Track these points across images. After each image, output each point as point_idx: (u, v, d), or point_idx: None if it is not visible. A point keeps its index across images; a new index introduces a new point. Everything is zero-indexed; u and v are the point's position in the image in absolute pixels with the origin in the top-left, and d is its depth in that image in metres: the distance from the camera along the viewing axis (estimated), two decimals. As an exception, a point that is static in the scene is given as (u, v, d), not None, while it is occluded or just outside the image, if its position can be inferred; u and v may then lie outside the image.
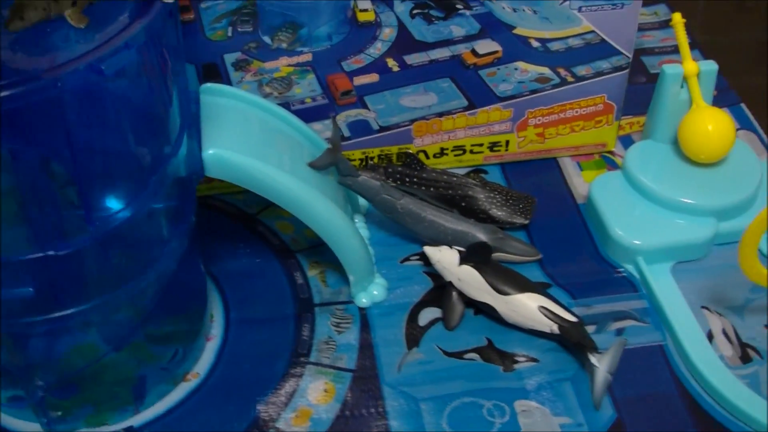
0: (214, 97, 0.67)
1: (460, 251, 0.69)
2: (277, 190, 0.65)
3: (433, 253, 0.70)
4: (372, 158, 0.79)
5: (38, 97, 0.47)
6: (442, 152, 0.82)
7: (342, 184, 0.72)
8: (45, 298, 0.56)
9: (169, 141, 0.58)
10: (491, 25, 0.75)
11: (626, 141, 0.88)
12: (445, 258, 0.69)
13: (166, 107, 0.57)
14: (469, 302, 0.69)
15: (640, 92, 0.86)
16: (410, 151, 0.79)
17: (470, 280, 0.68)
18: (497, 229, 0.73)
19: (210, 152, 0.62)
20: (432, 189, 0.77)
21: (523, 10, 0.74)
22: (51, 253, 0.54)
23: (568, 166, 0.85)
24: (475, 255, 0.68)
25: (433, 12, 0.73)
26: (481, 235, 0.72)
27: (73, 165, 0.52)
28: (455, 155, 0.82)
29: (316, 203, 0.66)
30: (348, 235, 0.69)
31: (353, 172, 0.72)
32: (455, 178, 0.77)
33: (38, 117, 0.51)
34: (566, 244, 0.77)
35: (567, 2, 0.75)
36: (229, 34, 0.71)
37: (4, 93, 0.45)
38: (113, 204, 0.57)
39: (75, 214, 0.56)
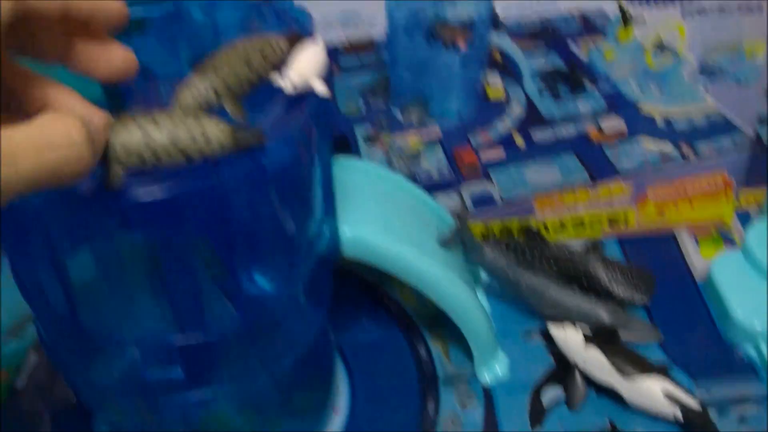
0: (346, 171, 0.68)
1: (585, 332, 0.69)
2: (408, 269, 0.66)
3: (558, 333, 0.70)
4: (493, 230, 0.80)
5: (200, 188, 0.47)
6: (562, 226, 0.82)
7: (468, 260, 0.72)
8: (189, 377, 0.56)
9: (316, 223, 0.58)
10: (618, 102, 0.75)
11: (744, 216, 0.87)
12: (570, 338, 0.69)
13: (315, 190, 0.58)
14: (592, 382, 0.69)
15: (758, 166, 0.85)
16: (532, 226, 0.79)
17: (595, 362, 0.68)
18: (620, 309, 0.73)
19: (348, 233, 0.63)
20: (553, 264, 0.77)
21: (650, 88, 0.75)
22: (199, 337, 0.54)
23: (686, 241, 0.85)
24: (600, 337, 0.68)
25: (561, 90, 0.73)
26: (604, 314, 0.72)
27: (226, 251, 0.53)
28: (575, 229, 0.82)
29: (443, 280, 0.67)
30: (474, 311, 0.69)
31: (479, 248, 0.72)
32: (576, 254, 0.77)
33: (196, 206, 0.52)
34: (685, 323, 0.77)
35: (693, 81, 0.75)
36: (362, 108, 0.72)
37: (166, 183, 0.46)
38: (261, 289, 0.58)
39: (224, 300, 0.57)
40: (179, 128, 0.46)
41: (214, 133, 0.47)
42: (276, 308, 0.57)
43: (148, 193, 0.46)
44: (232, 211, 0.52)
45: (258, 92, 0.54)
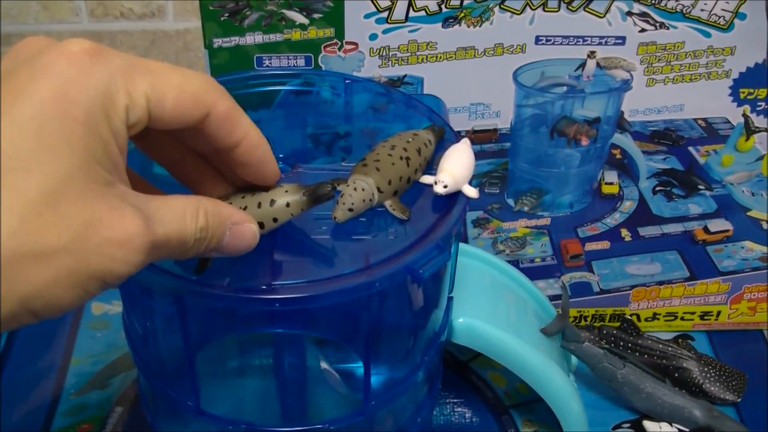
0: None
1: (681, 431, 0.69)
2: (512, 357, 0.66)
3: (654, 429, 0.70)
4: (586, 317, 0.80)
5: (354, 297, 0.47)
6: (654, 317, 0.82)
7: (565, 349, 0.72)
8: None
9: (442, 314, 0.58)
10: (727, 206, 0.75)
11: (831, 317, 0.87)
12: (666, 439, 0.69)
13: (445, 284, 0.58)
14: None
15: None
16: (627, 315, 0.80)
17: (689, 463, 0.68)
18: (713, 407, 0.73)
19: (460, 321, 0.63)
20: (646, 356, 0.77)
21: (762, 195, 0.75)
22: (323, 427, 0.54)
23: (774, 339, 0.85)
24: (696, 439, 0.68)
25: (675, 190, 0.73)
26: (698, 412, 0.72)
27: (365, 351, 0.53)
28: (666, 320, 0.82)
29: (545, 368, 0.67)
30: (571, 398, 0.69)
31: (578, 338, 0.73)
32: (670, 348, 0.77)
33: (347, 311, 0.52)
34: (774, 424, 0.77)
35: (804, 190, 0.75)
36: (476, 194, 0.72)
37: (325, 291, 0.46)
38: (387, 380, 0.58)
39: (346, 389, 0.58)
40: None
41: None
42: (396, 398, 0.57)
43: (303, 298, 0.46)
44: (375, 313, 0.53)
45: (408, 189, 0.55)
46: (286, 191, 0.48)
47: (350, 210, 0.50)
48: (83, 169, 0.35)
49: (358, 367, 0.60)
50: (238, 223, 0.44)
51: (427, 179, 0.54)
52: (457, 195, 0.53)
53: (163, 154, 0.47)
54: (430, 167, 0.54)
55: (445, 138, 0.57)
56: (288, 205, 0.47)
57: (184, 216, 0.40)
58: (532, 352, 0.66)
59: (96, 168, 0.36)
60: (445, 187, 0.52)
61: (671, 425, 0.70)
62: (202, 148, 0.45)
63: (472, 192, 0.53)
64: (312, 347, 0.62)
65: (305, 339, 0.60)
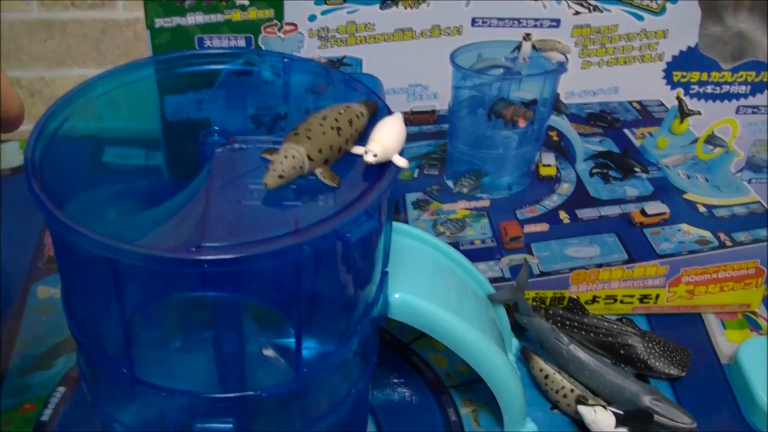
0: (394, 235, 0.69)
1: (616, 414, 0.70)
2: (450, 334, 0.67)
3: (588, 413, 0.71)
4: (526, 299, 0.81)
5: (282, 259, 0.48)
6: (594, 300, 0.83)
7: (518, 321, 0.76)
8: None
9: (375, 287, 0.60)
10: (664, 189, 0.76)
11: (768, 300, 0.89)
12: (601, 420, 0.70)
13: (377, 256, 0.59)
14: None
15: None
16: (574, 296, 0.81)
17: (626, 444, 0.69)
18: (656, 390, 0.74)
19: (396, 296, 0.64)
20: (592, 334, 0.78)
21: (697, 178, 0.76)
22: (257, 393, 0.55)
23: (712, 323, 0.86)
24: (634, 420, 0.69)
25: (612, 173, 0.75)
26: (640, 394, 0.73)
27: (294, 316, 0.54)
28: (606, 303, 0.84)
29: (482, 346, 0.68)
30: (509, 377, 0.70)
31: (530, 312, 0.75)
32: (615, 326, 0.78)
33: (273, 275, 0.53)
34: (710, 403, 0.78)
35: (739, 174, 0.76)
36: (415, 175, 0.73)
37: (253, 253, 0.47)
38: (317, 349, 0.59)
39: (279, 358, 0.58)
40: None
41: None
42: (328, 367, 0.58)
43: (231, 259, 0.47)
44: (306, 279, 0.53)
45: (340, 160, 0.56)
46: None
47: (280, 177, 0.51)
48: None
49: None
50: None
51: (358, 150, 0.55)
52: (387, 165, 0.54)
53: None
54: (363, 140, 0.55)
55: (378, 113, 0.58)
56: None
57: None
58: (471, 331, 0.67)
59: None
60: (375, 156, 0.53)
61: (606, 409, 0.71)
62: None
63: (401, 162, 0.54)
64: (251, 322, 0.62)
65: (243, 312, 0.60)
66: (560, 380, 0.74)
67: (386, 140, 0.54)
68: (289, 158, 0.51)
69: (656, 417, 0.72)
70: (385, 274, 0.62)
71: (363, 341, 0.62)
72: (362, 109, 0.56)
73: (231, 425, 0.57)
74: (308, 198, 0.53)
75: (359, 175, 0.54)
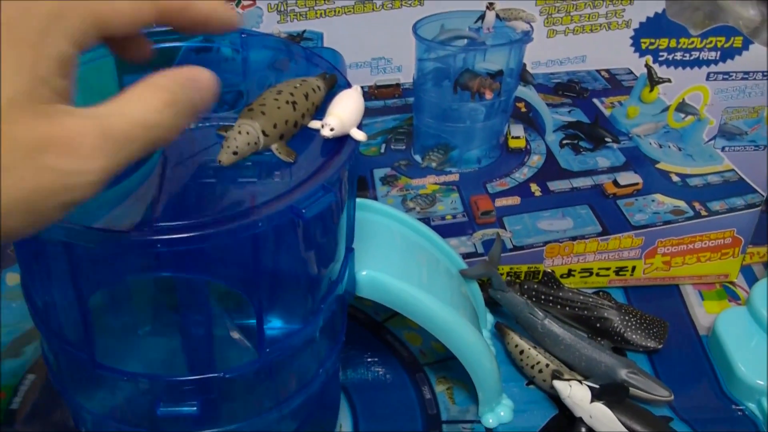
0: (362, 212, 0.68)
1: (591, 387, 0.69)
2: (420, 312, 0.66)
3: (564, 387, 0.70)
4: (501, 275, 0.80)
5: (238, 237, 0.47)
6: (569, 273, 0.82)
7: (492, 297, 0.75)
8: (201, 414, 0.57)
9: (339, 264, 0.59)
10: (636, 159, 0.75)
11: (746, 270, 0.88)
12: (576, 394, 0.70)
13: (340, 233, 0.58)
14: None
15: (762, 221, 0.86)
16: (549, 270, 0.80)
17: (602, 418, 0.68)
18: (632, 363, 0.73)
19: (364, 273, 0.63)
20: (567, 308, 0.78)
21: (669, 147, 0.75)
22: (218, 375, 0.54)
23: (690, 294, 0.86)
24: (610, 394, 0.69)
25: (582, 144, 0.74)
26: (616, 368, 0.72)
27: (254, 295, 0.53)
28: (581, 277, 0.83)
29: (453, 323, 0.68)
30: (481, 354, 0.70)
31: (504, 287, 0.74)
32: (591, 299, 0.78)
33: (229, 252, 0.52)
34: (688, 375, 0.78)
35: (712, 142, 0.75)
36: (382, 150, 0.72)
37: (207, 231, 0.46)
38: (281, 328, 0.58)
39: (243, 338, 0.57)
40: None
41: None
42: (293, 347, 0.57)
43: (185, 238, 0.46)
44: (264, 255, 0.52)
45: (296, 135, 0.55)
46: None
47: (234, 153, 0.50)
48: (30, 91, 0.34)
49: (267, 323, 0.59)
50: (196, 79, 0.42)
51: (314, 124, 0.54)
52: (345, 139, 0.53)
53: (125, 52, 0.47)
54: (321, 114, 0.54)
55: (337, 86, 0.57)
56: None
57: (143, 98, 0.38)
58: (442, 308, 0.66)
59: (42, 89, 0.34)
60: (332, 130, 0.52)
61: (581, 383, 0.70)
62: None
63: (359, 135, 0.53)
64: (216, 304, 0.61)
65: (210, 294, 0.59)
66: (535, 355, 0.73)
67: (343, 114, 0.53)
68: (243, 134, 0.50)
69: (632, 390, 0.71)
70: (350, 251, 0.61)
71: (329, 320, 0.61)
72: (319, 83, 0.55)
73: (195, 408, 0.56)
74: (265, 174, 0.52)
75: (317, 149, 0.53)
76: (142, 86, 0.38)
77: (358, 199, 0.69)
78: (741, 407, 0.75)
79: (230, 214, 0.48)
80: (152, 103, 0.38)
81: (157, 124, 0.38)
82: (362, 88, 0.57)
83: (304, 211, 0.48)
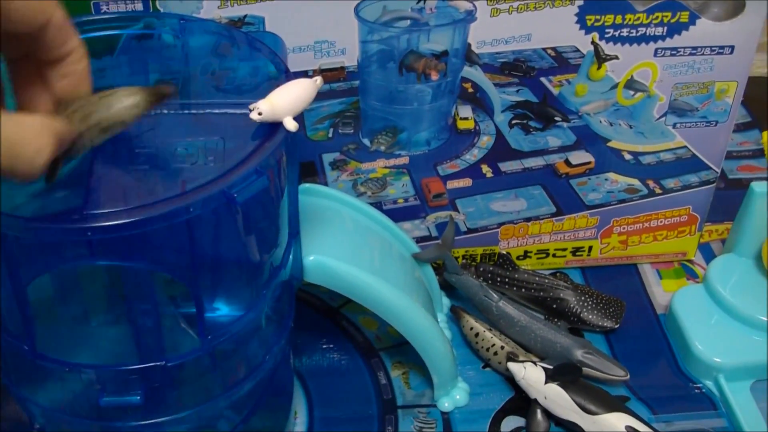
0: (311, 197, 0.68)
1: (545, 369, 0.69)
2: (369, 296, 0.66)
3: (518, 370, 0.70)
4: (456, 258, 0.80)
5: (169, 222, 0.47)
6: (525, 255, 0.82)
7: (447, 280, 0.75)
8: (147, 404, 0.56)
9: (282, 249, 0.58)
10: (587, 137, 0.75)
11: (704, 248, 0.88)
12: (531, 376, 0.69)
13: (282, 217, 0.58)
14: (554, 417, 0.69)
15: (719, 198, 0.85)
16: (504, 252, 0.80)
17: (557, 399, 0.68)
18: (588, 343, 0.73)
19: (311, 258, 0.63)
20: (523, 290, 0.77)
21: (620, 125, 0.75)
22: (161, 363, 0.53)
23: (648, 273, 0.85)
24: (563, 374, 0.68)
25: (532, 123, 0.74)
26: (572, 348, 0.72)
27: (190, 280, 0.53)
28: (538, 258, 0.83)
29: (405, 307, 0.67)
30: (434, 338, 0.69)
31: (458, 270, 0.74)
32: (547, 280, 0.77)
33: (163, 238, 0.51)
34: (646, 354, 0.78)
35: (663, 119, 0.75)
36: (330, 135, 0.72)
37: (138, 218, 0.45)
38: (224, 314, 0.57)
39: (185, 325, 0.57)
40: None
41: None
42: (238, 333, 0.57)
43: (115, 225, 0.46)
44: (199, 241, 0.52)
45: (234, 119, 0.54)
46: (127, 94, 0.47)
47: None
48: None
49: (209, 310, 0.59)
50: None
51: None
52: (279, 125, 0.52)
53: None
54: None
55: (277, 72, 0.57)
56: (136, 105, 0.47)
57: None
58: (392, 292, 0.66)
59: None
60: (260, 114, 0.51)
61: (536, 365, 0.70)
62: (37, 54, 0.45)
63: (290, 125, 0.52)
64: (162, 293, 0.61)
65: (156, 282, 0.59)
66: (490, 338, 0.73)
67: (277, 100, 0.52)
68: None
69: (588, 370, 0.71)
70: (294, 236, 0.61)
71: (275, 305, 0.60)
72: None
73: (138, 397, 0.55)
74: (198, 160, 0.51)
75: (251, 134, 0.53)
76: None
77: (306, 185, 0.69)
78: (698, 385, 0.74)
79: (161, 200, 0.47)
80: None
81: None
82: (306, 72, 0.57)
83: (236, 195, 0.48)
